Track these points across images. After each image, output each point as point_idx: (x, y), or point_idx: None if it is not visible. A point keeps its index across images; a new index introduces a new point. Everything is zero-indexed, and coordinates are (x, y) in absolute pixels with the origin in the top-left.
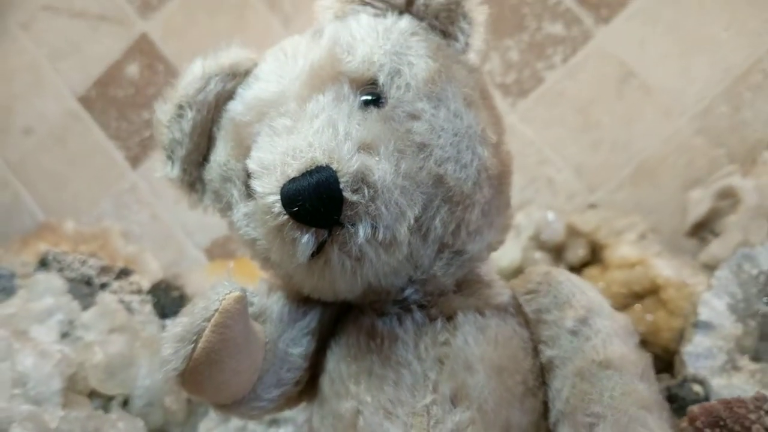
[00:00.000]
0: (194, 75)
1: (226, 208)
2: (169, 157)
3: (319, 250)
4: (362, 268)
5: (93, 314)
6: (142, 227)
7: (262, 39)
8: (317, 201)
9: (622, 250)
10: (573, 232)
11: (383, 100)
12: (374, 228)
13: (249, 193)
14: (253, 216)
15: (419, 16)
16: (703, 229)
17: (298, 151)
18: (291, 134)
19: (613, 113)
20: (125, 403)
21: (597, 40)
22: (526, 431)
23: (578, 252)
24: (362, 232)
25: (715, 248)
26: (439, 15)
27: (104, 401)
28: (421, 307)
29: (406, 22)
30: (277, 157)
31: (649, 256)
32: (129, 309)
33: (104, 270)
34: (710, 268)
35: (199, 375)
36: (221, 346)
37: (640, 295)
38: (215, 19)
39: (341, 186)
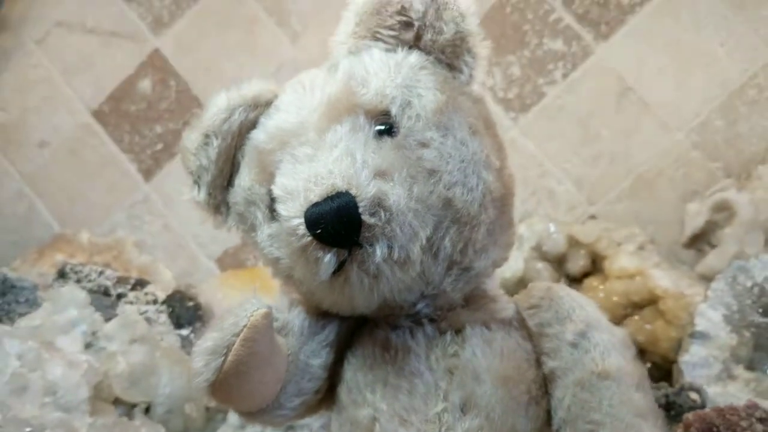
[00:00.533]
0: (219, 106)
1: (250, 230)
2: (196, 182)
3: (339, 268)
4: (379, 285)
5: (115, 325)
6: (154, 238)
7: (271, 54)
8: (338, 224)
9: (622, 261)
10: (574, 243)
11: (395, 130)
12: (390, 248)
13: (273, 216)
14: (277, 237)
15: (427, 51)
16: (700, 240)
17: (320, 178)
18: (312, 162)
19: (612, 127)
20: (147, 410)
21: (596, 56)
22: None
23: (579, 262)
24: (379, 251)
25: (712, 259)
26: (445, 50)
27: (127, 408)
28: (432, 320)
29: (415, 57)
30: (300, 183)
31: (647, 267)
32: (146, 319)
33: (120, 280)
34: (707, 278)
35: (227, 385)
36: (249, 359)
37: (639, 305)
38: (225, 34)
39: (360, 210)
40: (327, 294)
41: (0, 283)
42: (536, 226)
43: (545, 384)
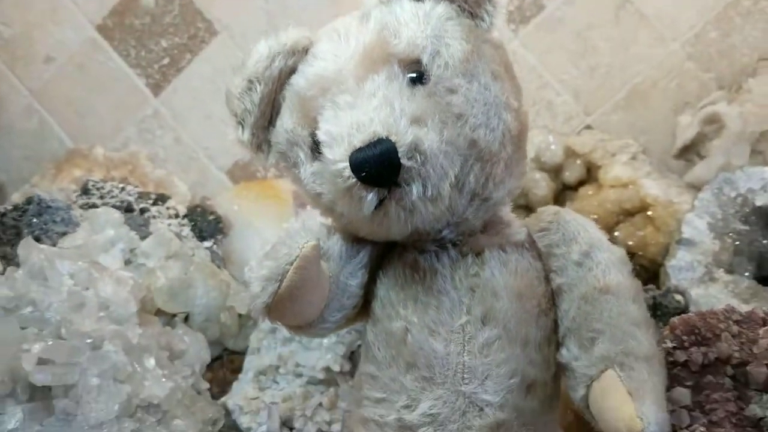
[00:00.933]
0: (261, 54)
1: (292, 167)
2: (240, 124)
3: (379, 204)
4: (413, 218)
5: (151, 243)
6: (166, 151)
7: None
8: (380, 167)
9: (615, 170)
10: (570, 153)
11: (426, 78)
12: (424, 186)
13: (315, 156)
14: (320, 174)
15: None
16: (689, 151)
17: (362, 126)
18: (353, 109)
19: (609, 39)
20: (186, 319)
21: None
22: (540, 344)
23: (575, 172)
24: (415, 190)
25: (700, 170)
26: (469, 1)
27: (168, 318)
28: (455, 245)
29: (442, 7)
30: (343, 129)
31: (639, 176)
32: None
33: (142, 196)
34: (695, 188)
35: (282, 307)
36: (300, 284)
37: (630, 212)
38: None
39: (399, 155)
40: (366, 225)
41: (36, 204)
42: (535, 138)
43: (553, 298)
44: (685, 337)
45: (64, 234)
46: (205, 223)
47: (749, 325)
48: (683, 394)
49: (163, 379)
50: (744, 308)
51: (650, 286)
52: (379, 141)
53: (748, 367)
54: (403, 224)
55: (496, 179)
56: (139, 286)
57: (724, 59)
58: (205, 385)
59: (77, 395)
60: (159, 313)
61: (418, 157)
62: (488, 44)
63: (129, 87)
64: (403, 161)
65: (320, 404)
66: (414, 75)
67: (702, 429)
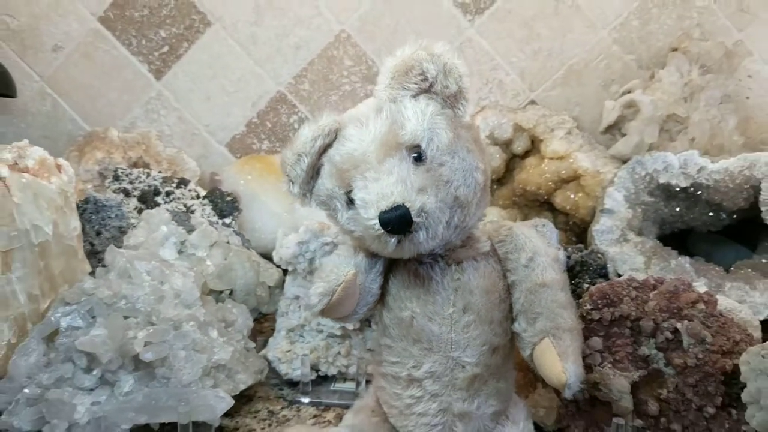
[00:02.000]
0: (306, 136)
1: (333, 212)
2: (291, 182)
3: (397, 243)
4: (419, 249)
5: (197, 236)
6: (171, 128)
7: None
8: (400, 224)
9: (554, 145)
10: (518, 128)
11: (424, 157)
12: (427, 232)
13: (348, 207)
14: (353, 219)
15: (436, 94)
16: (613, 129)
17: (386, 196)
18: (377, 182)
19: (550, 27)
20: (230, 294)
21: None
22: (501, 322)
23: (522, 144)
24: (422, 235)
25: (621, 145)
26: (449, 98)
27: (217, 295)
28: (442, 257)
29: (432, 106)
30: (372, 197)
31: (573, 149)
32: (191, 212)
33: (166, 180)
34: (617, 160)
35: (331, 311)
36: (344, 298)
37: (566, 180)
38: None
39: (412, 216)
40: (385, 252)
41: (92, 203)
42: (490, 118)
43: (508, 289)
44: (598, 301)
45: (119, 228)
46: (224, 203)
47: (643, 290)
48: (597, 341)
49: (225, 345)
50: (643, 262)
51: (579, 245)
52: (398, 207)
53: (641, 322)
54: (412, 253)
55: (470, 215)
56: (199, 275)
57: (643, 44)
58: (252, 345)
59: (170, 364)
60: (210, 292)
61: (423, 215)
62: (463, 128)
63: (133, 72)
64: (415, 219)
65: (339, 353)
66: (416, 155)
67: (609, 365)
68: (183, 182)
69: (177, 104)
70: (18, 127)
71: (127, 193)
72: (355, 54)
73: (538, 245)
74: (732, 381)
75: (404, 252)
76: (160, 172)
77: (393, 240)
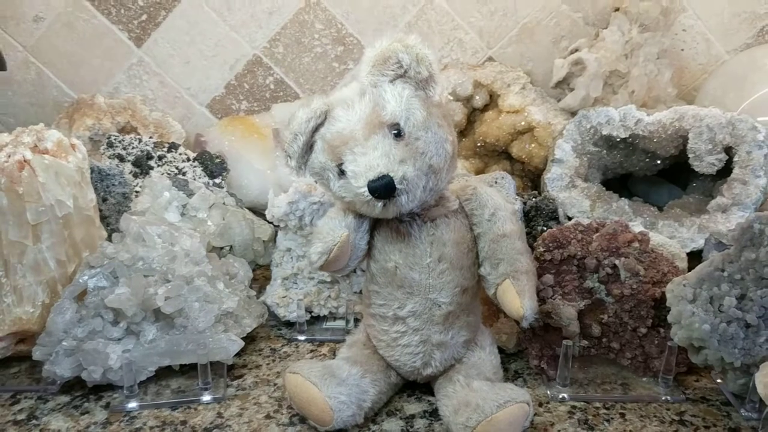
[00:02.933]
0: (300, 117)
1: (326, 181)
2: (289, 157)
3: (383, 206)
4: (400, 210)
5: (197, 199)
6: (154, 92)
7: None
8: (385, 191)
9: (510, 99)
10: (477, 85)
11: (403, 134)
12: (408, 195)
13: (340, 177)
14: (344, 187)
15: (410, 78)
16: (562, 84)
17: (373, 168)
18: (365, 156)
19: None
20: (230, 250)
21: None
22: (470, 267)
23: (481, 99)
24: (404, 199)
25: (569, 99)
26: (421, 82)
27: (218, 251)
28: (419, 216)
29: (408, 89)
30: (361, 169)
31: (527, 103)
32: (183, 173)
33: (157, 145)
34: (566, 112)
35: (328, 266)
36: (340, 255)
37: (521, 132)
38: None
39: (395, 183)
40: (372, 213)
41: (97, 173)
42: (452, 76)
43: (475, 240)
44: (550, 244)
45: (123, 194)
46: (213, 165)
47: (587, 233)
48: (549, 278)
49: (231, 295)
50: (589, 206)
51: (534, 192)
52: (383, 176)
53: (585, 260)
54: (395, 214)
55: (442, 179)
56: (204, 236)
57: (588, 2)
58: (253, 293)
59: (186, 314)
60: (212, 249)
61: (405, 183)
62: (434, 107)
63: (114, 40)
64: (398, 186)
65: (329, 296)
66: (396, 132)
67: (559, 297)
68: (173, 146)
69: (158, 69)
70: (5, 95)
71: (121, 159)
72: (325, 18)
73: (499, 201)
74: (660, 306)
75: (389, 213)
76: (150, 137)
77: (380, 204)
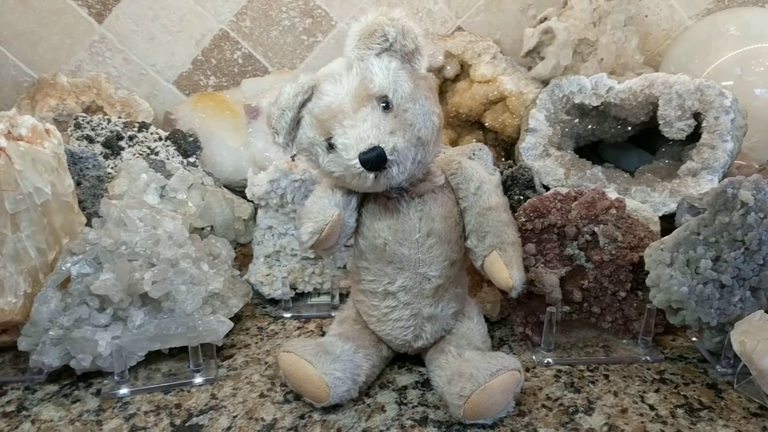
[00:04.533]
0: (288, 92)
1: (314, 157)
2: (277, 133)
3: (374, 178)
4: (390, 182)
5: (175, 180)
6: (118, 70)
7: None
8: (377, 162)
9: (481, 69)
10: (448, 55)
11: (391, 106)
12: (399, 167)
13: (329, 151)
14: (333, 161)
15: (396, 52)
16: (533, 53)
17: (363, 139)
18: (354, 129)
19: None
20: (211, 230)
21: None
22: (457, 240)
23: (453, 69)
24: (395, 170)
25: (539, 68)
26: (407, 54)
27: (199, 231)
28: (407, 192)
29: (395, 62)
30: (352, 141)
31: (498, 73)
32: (156, 153)
33: (127, 125)
34: (537, 81)
35: (319, 245)
36: (330, 235)
37: (494, 101)
38: None
39: (386, 154)
40: (361, 188)
41: (70, 156)
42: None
43: (461, 214)
44: (530, 214)
45: (98, 177)
46: (187, 144)
47: (566, 202)
48: (531, 247)
49: (216, 276)
50: (563, 173)
51: (509, 162)
52: (375, 148)
53: (565, 228)
54: (385, 186)
55: (430, 152)
56: (186, 217)
57: None
58: (237, 272)
59: (174, 297)
60: (194, 230)
61: (395, 154)
62: (420, 79)
63: (73, 17)
64: (389, 157)
65: (313, 273)
66: (384, 104)
67: (541, 265)
68: (144, 126)
69: (121, 46)
70: None
71: (90, 140)
72: None
73: (483, 175)
74: (638, 270)
75: (379, 186)
76: (120, 117)
77: (371, 176)
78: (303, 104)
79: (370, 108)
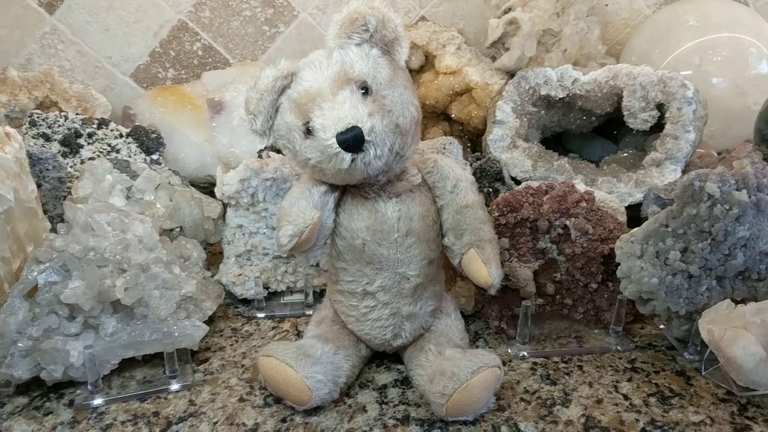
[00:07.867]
0: (268, 77)
1: (290, 144)
2: (254, 118)
3: (351, 161)
4: (368, 168)
5: (142, 181)
6: (71, 63)
7: None
8: (355, 142)
9: (446, 60)
10: (413, 45)
11: (370, 91)
12: (376, 150)
13: (306, 136)
14: (310, 146)
15: (376, 42)
16: (497, 44)
17: (342, 119)
18: (333, 110)
19: None
20: (180, 231)
21: None
22: (435, 239)
23: (417, 60)
24: (372, 152)
25: (504, 59)
26: (387, 44)
27: (168, 233)
28: (384, 191)
29: (374, 51)
30: (330, 122)
31: (463, 64)
32: (117, 151)
33: (86, 122)
34: (502, 72)
35: (298, 249)
36: (310, 238)
37: (459, 93)
38: None
39: (364, 134)
40: (338, 175)
41: (29, 158)
42: None
43: (438, 212)
44: (503, 209)
45: (59, 179)
46: (149, 140)
47: (538, 196)
48: (504, 241)
49: (188, 278)
50: (531, 165)
51: (477, 154)
52: (353, 127)
53: (537, 222)
54: (361, 173)
55: (407, 145)
56: (156, 220)
57: None
58: (209, 274)
59: (146, 303)
60: (163, 232)
61: (373, 135)
62: (399, 69)
63: (22, 7)
64: (366, 137)
65: (286, 271)
66: (363, 90)
67: (515, 259)
68: (104, 122)
69: (74, 38)
70: None
71: (47, 138)
72: None
73: (459, 173)
74: (609, 261)
75: (356, 170)
76: (77, 114)
77: (348, 157)
78: (282, 91)
79: (348, 91)
